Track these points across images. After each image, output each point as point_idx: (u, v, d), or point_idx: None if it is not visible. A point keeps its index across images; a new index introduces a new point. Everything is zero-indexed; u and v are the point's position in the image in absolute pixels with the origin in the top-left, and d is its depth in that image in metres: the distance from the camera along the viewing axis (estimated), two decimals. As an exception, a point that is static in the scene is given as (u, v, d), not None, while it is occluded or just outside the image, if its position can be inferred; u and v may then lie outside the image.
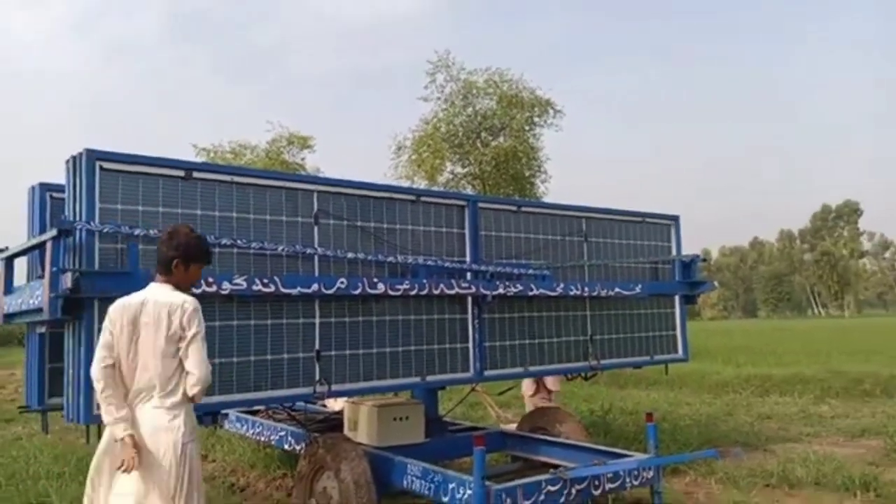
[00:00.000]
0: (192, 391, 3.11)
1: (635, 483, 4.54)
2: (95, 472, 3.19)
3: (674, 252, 6.46)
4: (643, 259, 6.21)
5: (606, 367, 5.88)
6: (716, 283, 7.68)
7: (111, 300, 3.53)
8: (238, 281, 3.89)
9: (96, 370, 3.11)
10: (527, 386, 7.99)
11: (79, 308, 3.53)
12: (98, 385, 3.10)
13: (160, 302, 3.13)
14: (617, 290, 5.71)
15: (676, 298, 6.39)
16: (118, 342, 3.12)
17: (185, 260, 3.24)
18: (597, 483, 4.30)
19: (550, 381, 7.68)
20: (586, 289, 5.52)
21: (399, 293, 4.58)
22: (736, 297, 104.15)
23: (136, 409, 3.15)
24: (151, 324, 3.11)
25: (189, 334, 3.10)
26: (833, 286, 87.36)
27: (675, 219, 6.54)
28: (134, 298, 3.19)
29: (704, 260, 6.85)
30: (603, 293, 5.62)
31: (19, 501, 5.50)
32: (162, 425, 3.10)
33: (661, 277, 6.33)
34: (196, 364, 3.10)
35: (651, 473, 4.58)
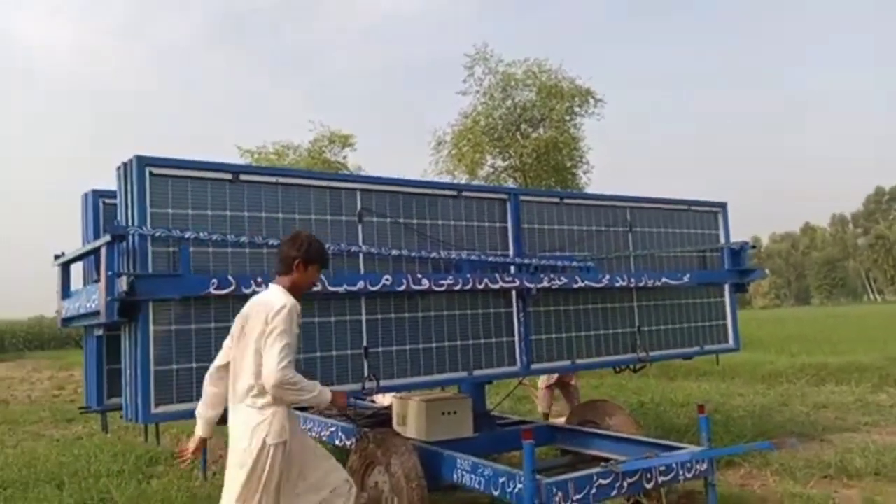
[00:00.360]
0: (268, 390, 3.14)
1: (688, 476, 4.46)
2: None
3: (722, 240, 6.33)
4: (690, 248, 6.11)
5: (655, 358, 5.81)
6: (767, 271, 7.53)
7: (165, 302, 3.65)
8: (286, 280, 3.95)
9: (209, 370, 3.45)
10: (543, 380, 8.01)
11: (134, 310, 3.63)
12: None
13: (262, 302, 3.27)
14: (664, 279, 5.63)
15: (726, 287, 6.27)
16: (234, 343, 3.33)
17: (305, 261, 3.39)
18: (649, 476, 4.25)
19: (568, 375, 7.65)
20: (632, 279, 5.46)
21: (443, 288, 4.60)
22: (788, 284, 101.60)
23: (234, 407, 3.31)
24: (251, 324, 3.24)
25: (269, 329, 3.15)
26: (889, 270, 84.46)
27: (723, 206, 6.42)
28: (250, 301, 3.38)
29: (754, 247, 6.70)
30: (650, 283, 5.55)
31: (82, 498, 5.70)
32: (251, 425, 3.19)
33: (709, 266, 6.22)
34: (267, 359, 3.13)
35: (705, 466, 4.51)
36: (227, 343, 3.40)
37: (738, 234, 6.40)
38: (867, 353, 13.38)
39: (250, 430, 3.19)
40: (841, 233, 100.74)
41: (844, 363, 12.18)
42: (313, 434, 6.29)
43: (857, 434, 7.31)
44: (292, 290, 3.36)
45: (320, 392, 3.31)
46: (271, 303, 3.22)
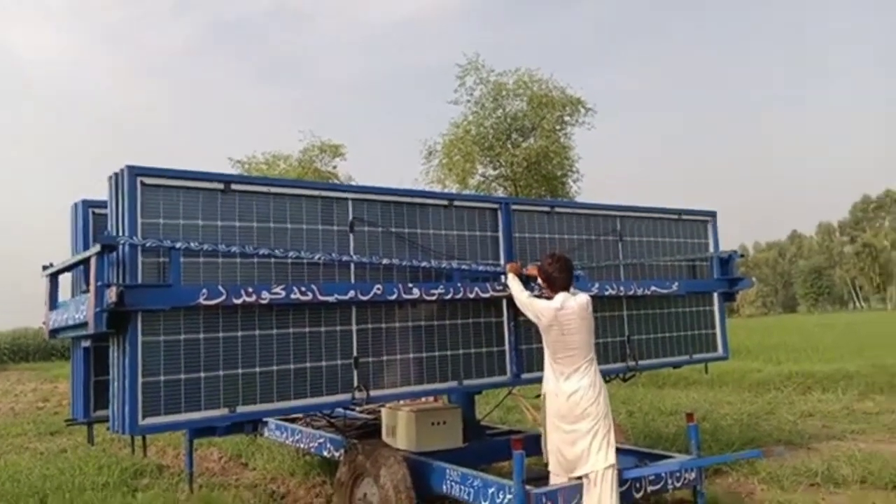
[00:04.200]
0: None
1: (677, 485, 4.49)
2: None
3: (711, 249, 6.38)
4: (680, 256, 6.14)
5: (644, 367, 5.83)
6: (754, 280, 7.56)
7: (154, 313, 3.64)
8: (277, 290, 3.95)
9: None
10: None
11: (123, 321, 3.61)
12: None
13: (580, 303, 4.24)
14: (653, 288, 5.66)
15: (715, 296, 6.31)
16: (563, 334, 4.19)
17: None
18: (638, 485, 4.28)
19: None
20: (622, 288, 5.49)
21: (434, 298, 4.61)
22: (775, 292, 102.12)
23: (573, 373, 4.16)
24: (582, 320, 4.20)
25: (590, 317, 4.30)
26: (875, 279, 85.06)
27: (713, 215, 6.46)
28: (564, 303, 4.20)
29: (742, 256, 6.75)
30: (639, 292, 5.58)
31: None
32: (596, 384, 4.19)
33: (698, 275, 6.25)
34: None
35: (693, 475, 4.54)
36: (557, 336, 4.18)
37: (725, 244, 6.46)
38: (853, 360, 13.48)
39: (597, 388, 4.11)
40: (827, 241, 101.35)
41: (831, 371, 12.26)
42: (301, 445, 6.28)
43: (843, 442, 7.36)
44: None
45: None
46: (588, 301, 4.28)
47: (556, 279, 4.31)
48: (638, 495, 4.28)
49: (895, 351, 15.12)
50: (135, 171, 3.70)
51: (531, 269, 4.77)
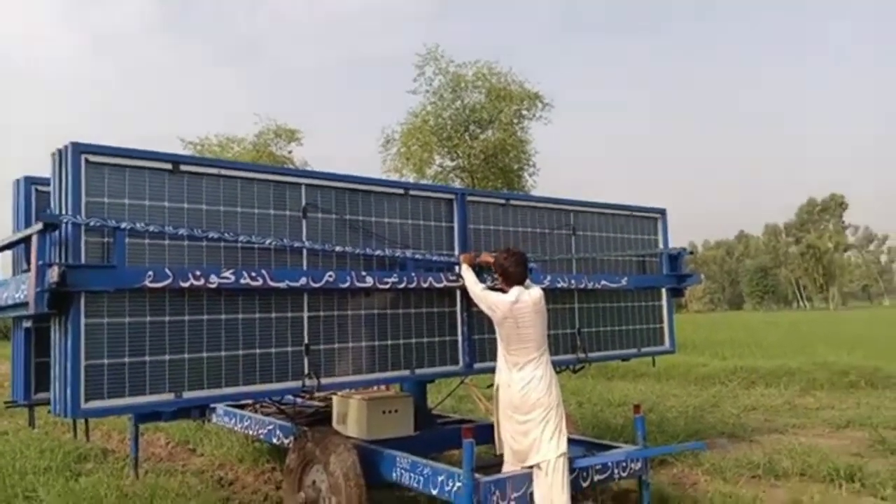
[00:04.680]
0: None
1: (623, 475, 4.57)
2: None
3: (661, 245, 6.48)
4: (631, 252, 6.23)
5: (594, 359, 5.89)
6: (702, 276, 7.72)
7: (97, 294, 3.54)
8: (226, 274, 3.88)
9: None
10: None
11: (65, 302, 3.50)
12: None
13: (534, 297, 4.30)
14: (604, 282, 5.73)
15: (664, 291, 6.42)
16: (518, 327, 4.24)
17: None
18: (585, 475, 4.34)
19: None
20: (573, 281, 5.54)
21: (388, 286, 4.58)
22: (722, 290, 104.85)
23: (526, 365, 4.22)
24: (536, 314, 4.26)
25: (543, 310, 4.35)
26: (818, 279, 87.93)
27: (663, 212, 6.57)
28: (520, 297, 4.26)
29: (691, 253, 6.88)
30: (590, 286, 5.64)
31: (6, 496, 5.47)
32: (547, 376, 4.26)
33: (648, 270, 6.35)
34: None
35: (639, 465, 4.62)
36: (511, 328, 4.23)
37: (674, 241, 6.57)
38: (795, 357, 13.89)
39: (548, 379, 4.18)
40: (774, 241, 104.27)
41: (774, 367, 12.62)
42: (250, 432, 6.20)
43: (784, 436, 7.58)
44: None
45: None
46: (541, 295, 4.33)
47: (512, 273, 4.38)
48: (585, 484, 4.35)
49: (836, 349, 15.64)
50: (79, 149, 3.58)
51: (485, 257, 4.80)
